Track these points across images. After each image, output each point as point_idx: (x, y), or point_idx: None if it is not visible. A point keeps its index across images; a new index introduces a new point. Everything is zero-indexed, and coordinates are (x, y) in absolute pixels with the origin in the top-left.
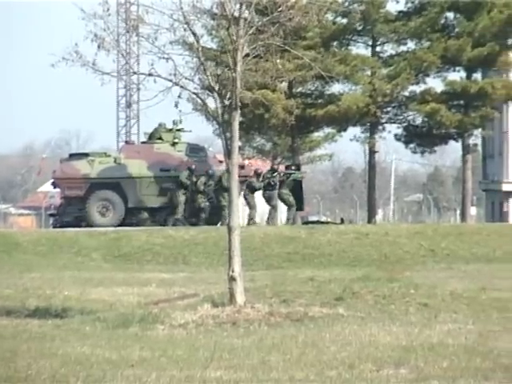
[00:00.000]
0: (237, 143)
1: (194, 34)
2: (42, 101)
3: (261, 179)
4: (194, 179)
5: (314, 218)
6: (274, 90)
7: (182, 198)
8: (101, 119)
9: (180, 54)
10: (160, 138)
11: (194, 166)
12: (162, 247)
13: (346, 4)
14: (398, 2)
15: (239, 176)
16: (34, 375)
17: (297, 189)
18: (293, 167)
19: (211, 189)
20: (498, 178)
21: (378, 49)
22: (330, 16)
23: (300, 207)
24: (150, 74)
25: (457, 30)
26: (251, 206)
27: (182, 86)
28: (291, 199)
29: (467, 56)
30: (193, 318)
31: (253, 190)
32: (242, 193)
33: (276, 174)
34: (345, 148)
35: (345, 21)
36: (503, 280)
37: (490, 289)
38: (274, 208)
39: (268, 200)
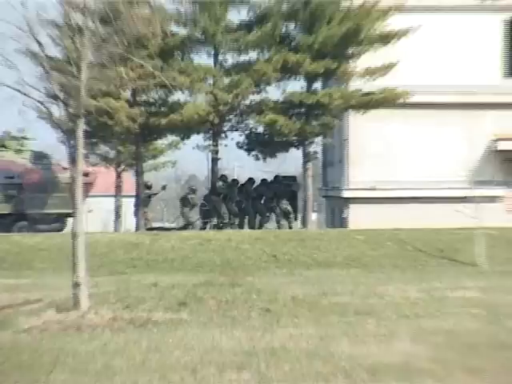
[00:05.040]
0: (81, 151)
1: (39, 44)
2: None
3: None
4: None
5: (158, 225)
6: (117, 98)
7: (222, 205)
8: None
9: (25, 63)
10: (4, 146)
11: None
12: (6, 253)
13: (189, 15)
14: (239, 13)
15: (83, 183)
16: None
17: (294, 199)
18: (290, 179)
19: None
20: (338, 184)
21: (220, 57)
22: (173, 26)
23: (296, 216)
24: None
25: (297, 41)
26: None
27: (26, 95)
28: (289, 208)
29: (305, 70)
30: (37, 324)
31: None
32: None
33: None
34: (188, 155)
35: (186, 31)
36: (343, 285)
37: (331, 293)
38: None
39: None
